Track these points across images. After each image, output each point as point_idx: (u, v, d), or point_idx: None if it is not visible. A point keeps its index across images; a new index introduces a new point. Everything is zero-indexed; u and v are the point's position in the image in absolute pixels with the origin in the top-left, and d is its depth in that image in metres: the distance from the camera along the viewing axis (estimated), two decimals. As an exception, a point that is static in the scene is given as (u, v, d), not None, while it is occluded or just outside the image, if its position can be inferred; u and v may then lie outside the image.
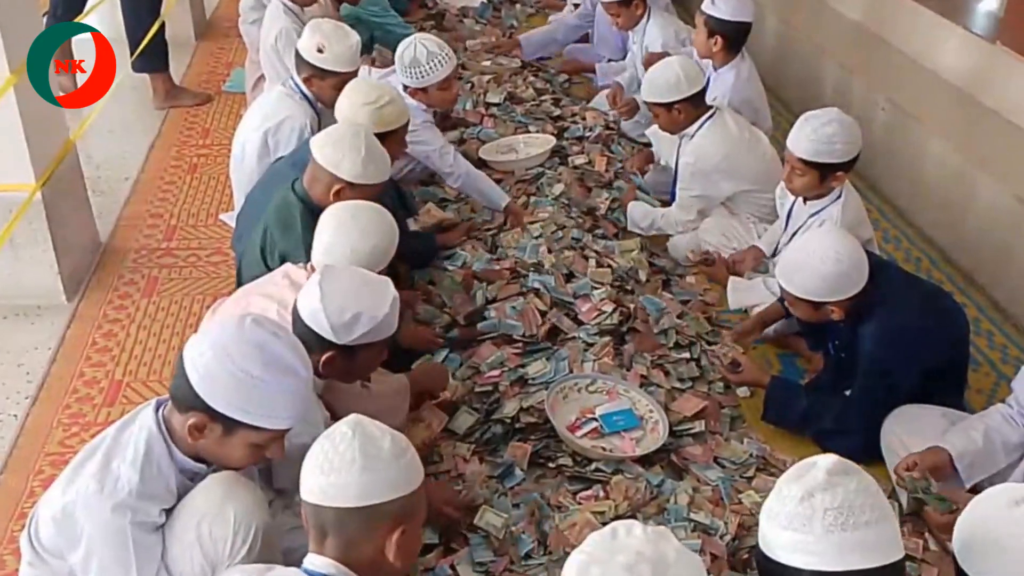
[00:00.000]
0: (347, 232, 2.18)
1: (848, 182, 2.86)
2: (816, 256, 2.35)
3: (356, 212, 2.23)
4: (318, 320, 1.90)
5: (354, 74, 3.15)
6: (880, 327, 2.38)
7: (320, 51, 3.06)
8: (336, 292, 1.92)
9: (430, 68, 3.28)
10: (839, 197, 2.81)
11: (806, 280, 2.36)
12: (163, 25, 4.39)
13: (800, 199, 2.89)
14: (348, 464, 1.43)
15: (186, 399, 1.60)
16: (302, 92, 3.13)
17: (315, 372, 1.87)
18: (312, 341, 1.88)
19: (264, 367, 1.59)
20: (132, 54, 4.30)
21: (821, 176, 2.75)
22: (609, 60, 4.76)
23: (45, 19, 4.01)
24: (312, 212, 2.39)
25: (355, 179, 2.41)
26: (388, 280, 2.04)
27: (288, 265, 2.30)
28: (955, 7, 4.37)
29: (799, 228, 2.90)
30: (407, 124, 2.87)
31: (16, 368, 2.84)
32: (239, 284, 2.63)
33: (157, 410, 1.68)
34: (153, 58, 4.43)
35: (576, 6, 5.19)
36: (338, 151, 2.42)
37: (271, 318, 1.75)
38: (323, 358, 1.92)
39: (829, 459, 1.38)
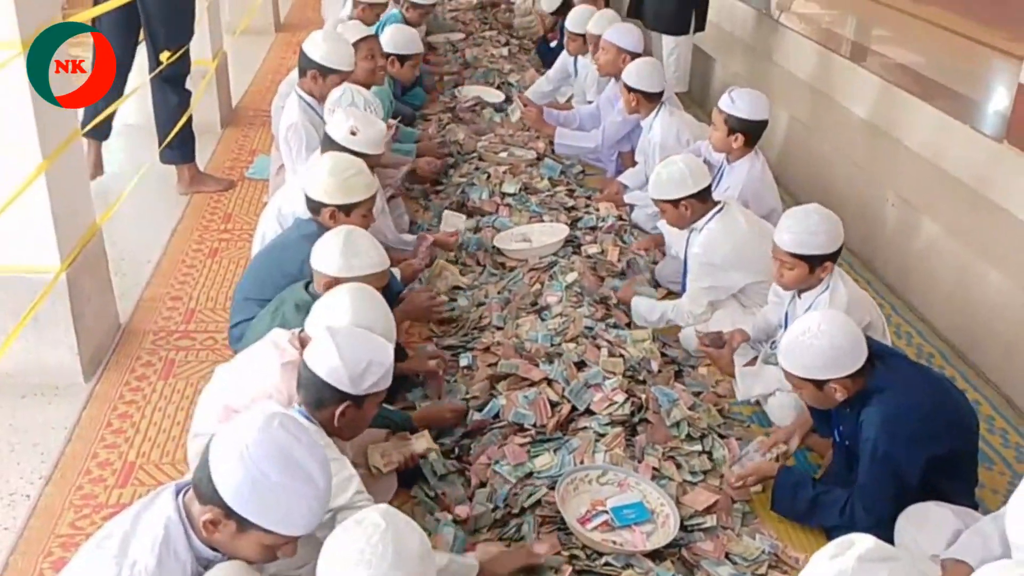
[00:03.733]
0: (346, 311, 2.30)
1: (839, 272, 2.91)
2: (810, 333, 2.39)
3: (351, 293, 2.34)
4: (337, 373, 2.05)
5: (379, 158, 3.31)
6: (882, 413, 2.38)
7: (354, 134, 3.21)
8: (349, 345, 2.08)
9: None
10: (827, 288, 2.86)
11: (803, 357, 2.39)
12: (191, 117, 4.54)
13: (796, 297, 2.93)
14: (379, 558, 1.51)
15: (206, 492, 1.62)
16: None
17: (328, 428, 2.08)
18: (327, 395, 2.06)
19: (283, 472, 1.61)
20: (160, 144, 4.43)
21: (810, 268, 2.82)
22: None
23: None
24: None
25: (340, 274, 2.55)
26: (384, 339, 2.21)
27: (275, 331, 2.41)
28: (962, 106, 4.49)
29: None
30: (374, 196, 3.04)
31: (32, 448, 2.86)
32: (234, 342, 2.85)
33: (177, 495, 1.70)
34: (181, 150, 4.59)
35: (589, 102, 5.34)
36: (320, 251, 2.60)
37: (299, 420, 1.78)
38: (339, 410, 2.06)
39: (866, 543, 1.37)
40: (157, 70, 4.34)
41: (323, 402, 2.07)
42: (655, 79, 4.25)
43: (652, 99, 4.26)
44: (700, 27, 6.02)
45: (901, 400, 2.37)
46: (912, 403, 2.38)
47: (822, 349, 2.36)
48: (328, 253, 2.58)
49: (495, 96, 5.83)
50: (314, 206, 2.96)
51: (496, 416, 2.86)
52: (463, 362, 3.18)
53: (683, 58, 6.06)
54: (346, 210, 2.92)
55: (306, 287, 2.64)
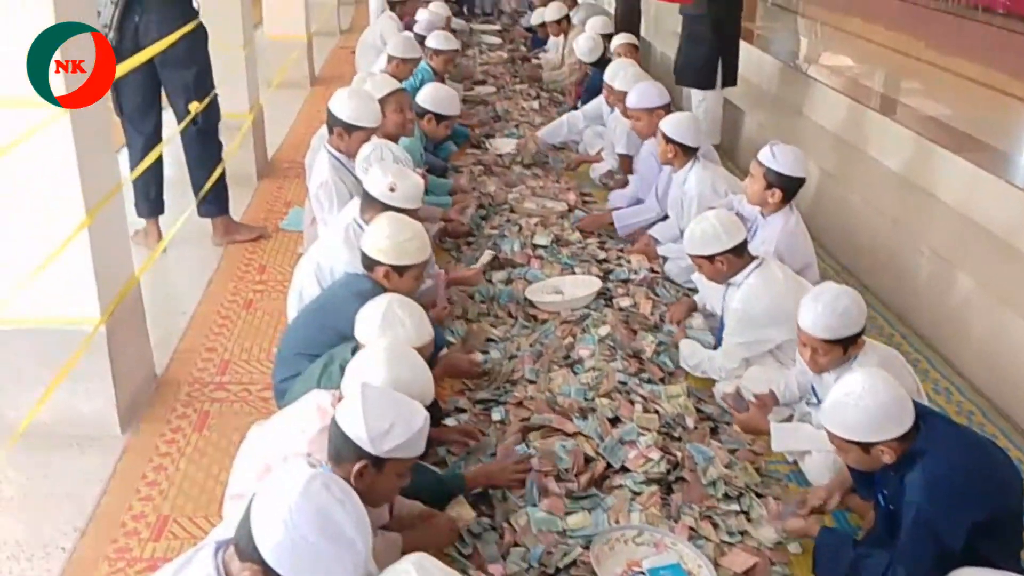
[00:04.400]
0: (381, 369, 2.29)
1: (871, 342, 2.87)
2: (855, 394, 2.33)
3: (388, 351, 2.35)
4: (356, 428, 2.02)
5: (416, 211, 3.37)
6: (925, 476, 2.33)
7: (392, 190, 3.26)
8: (375, 403, 2.05)
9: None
10: (854, 359, 2.81)
11: (849, 419, 2.34)
12: (224, 171, 4.61)
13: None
14: None
15: (246, 548, 1.62)
16: None
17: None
18: (346, 451, 2.03)
19: (321, 534, 1.61)
20: (196, 198, 4.51)
21: (844, 349, 2.77)
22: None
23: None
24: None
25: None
26: (420, 404, 2.16)
27: (316, 392, 2.42)
28: (992, 158, 4.48)
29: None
30: (428, 259, 3.12)
31: (66, 499, 2.87)
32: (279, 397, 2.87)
33: (216, 553, 1.70)
34: (217, 203, 4.68)
35: (620, 154, 5.39)
36: (362, 323, 2.59)
37: (342, 482, 1.77)
38: (355, 469, 2.02)
39: None
40: (187, 120, 4.42)
41: (341, 457, 2.04)
42: (693, 133, 4.30)
43: (688, 152, 4.30)
44: (730, 82, 6.05)
45: (945, 463, 2.32)
46: (957, 466, 2.33)
47: (869, 410, 2.31)
48: (368, 326, 2.57)
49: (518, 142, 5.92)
50: (369, 263, 3.01)
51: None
52: (496, 416, 3.17)
53: (712, 111, 6.10)
54: (400, 271, 2.98)
55: (354, 351, 2.62)
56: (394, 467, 2.06)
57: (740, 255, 3.30)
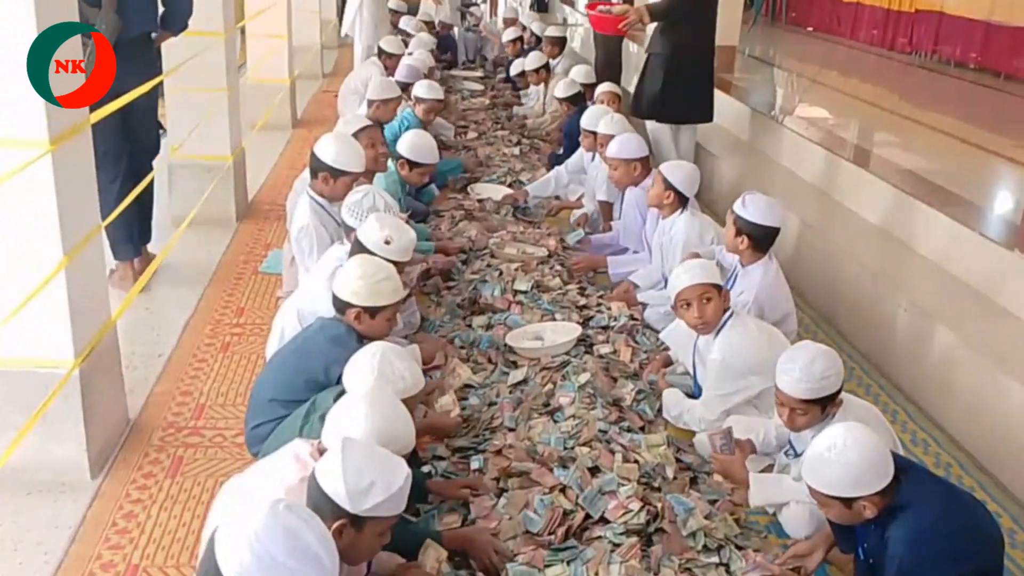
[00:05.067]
0: (362, 420, 2.24)
1: (847, 396, 2.87)
2: (836, 448, 2.32)
3: (369, 402, 2.30)
4: (335, 485, 1.96)
5: (406, 264, 3.40)
6: (908, 530, 2.32)
7: (388, 243, 3.26)
8: (355, 459, 1.99)
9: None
10: (832, 417, 2.82)
11: (831, 474, 2.33)
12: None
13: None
14: None
15: None
16: None
17: None
18: (325, 508, 1.95)
19: (290, 554, 1.60)
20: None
21: (822, 408, 2.78)
22: (634, 251, 4.91)
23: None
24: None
25: None
26: (403, 461, 2.09)
27: (297, 441, 2.36)
28: (971, 212, 4.54)
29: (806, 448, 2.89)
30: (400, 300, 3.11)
31: (35, 547, 2.80)
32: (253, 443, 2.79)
33: None
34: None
35: (601, 201, 5.43)
36: (353, 372, 2.56)
37: (302, 505, 1.75)
38: (333, 527, 1.93)
39: None
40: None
41: (320, 514, 1.91)
42: (692, 184, 4.38)
43: (682, 201, 4.37)
44: (699, 118, 6.16)
45: (928, 517, 2.32)
46: (938, 520, 2.33)
47: (851, 465, 2.30)
48: (361, 378, 2.54)
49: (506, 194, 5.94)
50: (341, 306, 2.98)
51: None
52: (474, 465, 3.13)
53: (684, 148, 6.21)
54: (372, 312, 2.96)
55: (337, 398, 2.60)
56: (374, 526, 2.00)
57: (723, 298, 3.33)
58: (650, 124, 6.26)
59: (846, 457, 2.31)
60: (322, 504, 1.96)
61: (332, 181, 3.88)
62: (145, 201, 4.68)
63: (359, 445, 2.07)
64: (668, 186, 4.33)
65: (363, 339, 2.91)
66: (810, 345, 2.85)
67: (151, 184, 4.68)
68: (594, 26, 7.77)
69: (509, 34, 9.66)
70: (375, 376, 2.50)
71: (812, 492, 2.41)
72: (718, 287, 3.33)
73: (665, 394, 3.54)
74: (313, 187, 3.94)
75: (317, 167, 3.90)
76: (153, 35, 4.62)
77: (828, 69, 10.28)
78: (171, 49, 5.11)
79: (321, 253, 3.74)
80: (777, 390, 2.81)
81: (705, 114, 6.14)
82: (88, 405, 3.08)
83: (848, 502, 2.34)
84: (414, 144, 4.89)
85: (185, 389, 3.73)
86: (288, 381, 2.92)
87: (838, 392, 2.79)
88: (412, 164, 4.88)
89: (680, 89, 5.95)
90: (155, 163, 4.82)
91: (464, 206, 5.68)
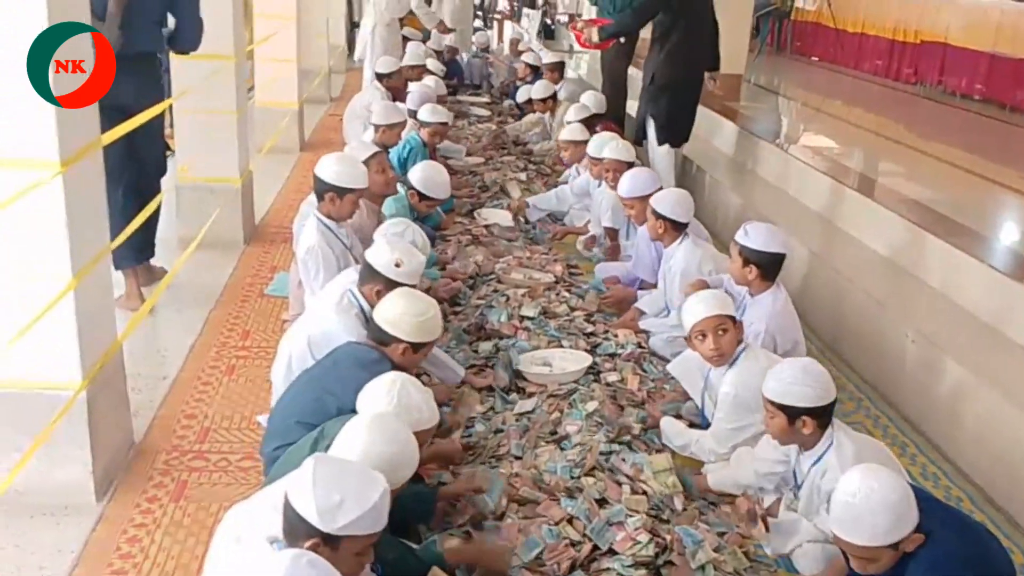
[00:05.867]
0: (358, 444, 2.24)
1: (841, 426, 2.84)
2: (861, 495, 2.27)
3: (369, 426, 2.30)
4: (305, 503, 1.91)
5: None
6: (927, 564, 2.29)
7: (398, 266, 3.25)
8: (326, 477, 1.94)
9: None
10: (830, 443, 2.79)
11: (867, 528, 2.25)
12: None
13: (800, 453, 2.88)
14: None
15: None
16: (360, 307, 3.27)
17: None
18: (298, 528, 1.91)
19: None
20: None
21: (789, 419, 2.75)
22: (642, 283, 4.87)
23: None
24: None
25: None
26: (381, 476, 2.04)
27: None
28: (978, 243, 4.54)
29: (804, 480, 2.88)
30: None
31: (37, 571, 2.77)
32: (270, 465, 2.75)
33: None
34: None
35: (606, 227, 5.43)
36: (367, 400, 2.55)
37: (321, 559, 1.73)
38: (306, 547, 1.88)
39: None
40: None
41: (293, 534, 1.91)
42: (683, 209, 4.34)
43: (678, 228, 4.34)
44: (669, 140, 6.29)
45: (943, 552, 2.29)
46: (955, 554, 2.30)
47: (882, 514, 2.23)
48: (376, 401, 2.53)
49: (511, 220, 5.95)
50: (385, 338, 2.98)
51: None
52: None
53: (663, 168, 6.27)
54: (416, 348, 2.99)
55: None
56: (350, 545, 1.93)
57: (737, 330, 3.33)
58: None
59: (875, 505, 2.23)
60: (295, 524, 1.91)
61: (338, 200, 3.88)
62: (150, 215, 4.67)
63: (331, 461, 2.03)
64: (658, 216, 4.32)
65: (393, 368, 2.91)
66: (808, 360, 2.89)
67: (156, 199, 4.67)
68: (578, 42, 7.86)
69: (529, 58, 9.68)
70: (394, 404, 2.48)
71: (843, 544, 2.32)
72: (733, 319, 3.32)
73: (663, 423, 3.50)
74: (320, 209, 3.94)
75: (321, 188, 3.90)
76: (159, 55, 4.63)
77: (833, 99, 10.32)
78: (181, 72, 5.14)
79: (327, 275, 3.73)
80: (765, 399, 2.83)
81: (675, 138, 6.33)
82: (94, 427, 3.06)
83: (895, 546, 2.29)
84: (427, 179, 4.89)
85: (190, 412, 3.71)
86: (312, 404, 2.88)
87: (810, 411, 2.74)
88: (422, 196, 4.89)
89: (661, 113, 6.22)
90: (163, 184, 4.82)
91: (471, 231, 5.68)
